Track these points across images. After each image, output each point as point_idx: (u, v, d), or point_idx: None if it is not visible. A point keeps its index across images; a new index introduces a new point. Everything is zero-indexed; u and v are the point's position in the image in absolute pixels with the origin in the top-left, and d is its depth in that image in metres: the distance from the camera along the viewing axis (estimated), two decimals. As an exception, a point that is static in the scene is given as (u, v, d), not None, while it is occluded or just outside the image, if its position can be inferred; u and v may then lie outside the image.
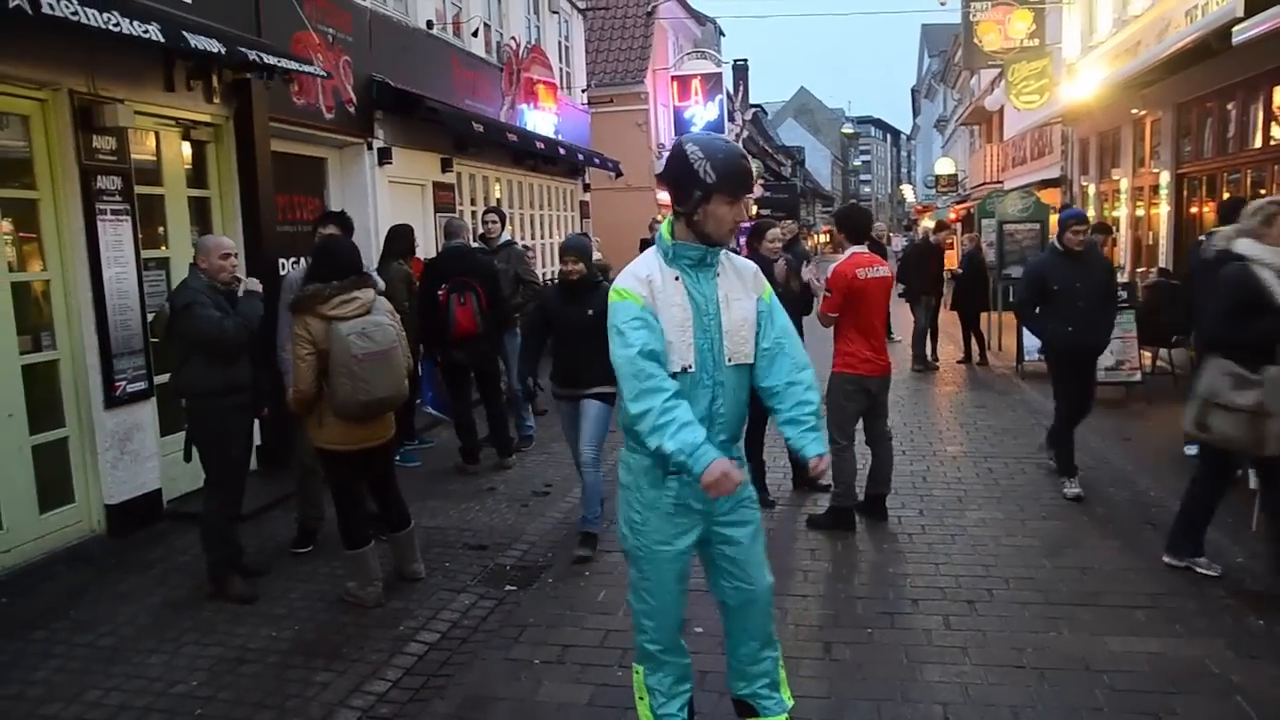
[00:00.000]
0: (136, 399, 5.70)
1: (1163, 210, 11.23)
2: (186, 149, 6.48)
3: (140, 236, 5.78)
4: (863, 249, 5.65)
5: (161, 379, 6.08)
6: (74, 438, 5.50)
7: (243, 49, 5.82)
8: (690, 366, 2.77)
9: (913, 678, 3.71)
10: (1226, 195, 9.59)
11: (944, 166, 35.60)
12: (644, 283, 2.79)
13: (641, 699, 3.07)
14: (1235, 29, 7.20)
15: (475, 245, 7.87)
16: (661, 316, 2.77)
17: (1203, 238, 6.61)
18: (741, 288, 2.87)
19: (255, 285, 4.79)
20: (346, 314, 4.28)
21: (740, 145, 2.89)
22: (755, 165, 31.38)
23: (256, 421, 5.16)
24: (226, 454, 4.62)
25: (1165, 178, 11.08)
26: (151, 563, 5.23)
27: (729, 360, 2.82)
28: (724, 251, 2.88)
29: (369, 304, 4.38)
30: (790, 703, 3.01)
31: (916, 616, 4.30)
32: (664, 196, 21.46)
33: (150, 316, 5.80)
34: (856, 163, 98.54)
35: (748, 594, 2.93)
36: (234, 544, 4.74)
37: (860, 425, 5.73)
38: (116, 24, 4.62)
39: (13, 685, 3.82)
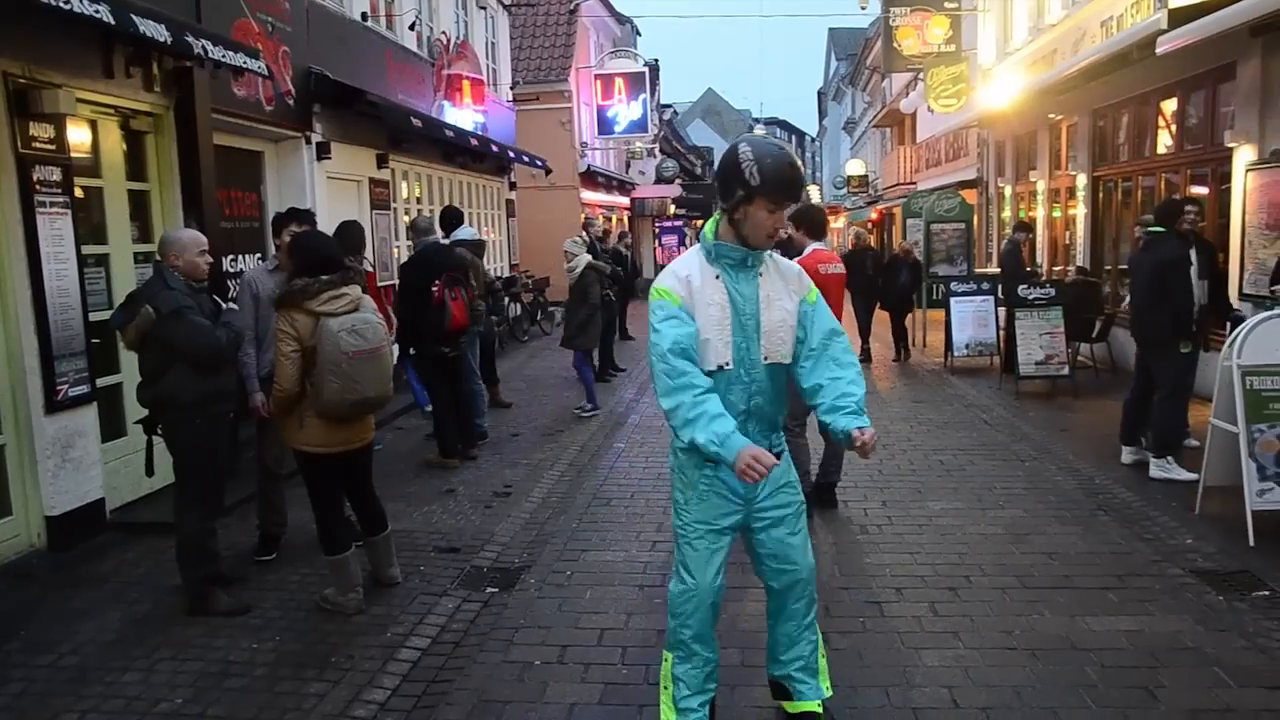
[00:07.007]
0: (79, 403, 5.37)
1: (1080, 211, 11.78)
2: (125, 140, 6.14)
3: (79, 232, 5.45)
4: (822, 245, 5.79)
5: (105, 381, 5.77)
6: (11, 445, 5.14)
7: (189, 38, 5.55)
8: (728, 364, 2.79)
9: (913, 663, 3.79)
10: (1141, 198, 10.15)
11: (854, 168, 36.58)
12: (683, 282, 2.81)
13: (665, 688, 3.06)
14: (1159, 39, 7.61)
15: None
16: (699, 315, 2.78)
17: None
18: (784, 289, 2.90)
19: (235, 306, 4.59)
20: (336, 310, 4.12)
21: (788, 153, 2.92)
22: (671, 165, 31.60)
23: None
24: (213, 466, 4.38)
25: (1082, 180, 11.62)
26: (103, 577, 4.93)
27: (765, 359, 2.85)
28: (769, 253, 2.89)
29: (357, 300, 4.23)
30: (829, 693, 3.04)
31: (904, 604, 4.39)
32: (588, 195, 21.70)
33: (90, 316, 5.49)
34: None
35: (791, 575, 2.99)
36: (216, 558, 4.50)
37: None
38: (67, 1, 4.34)
39: (-28, 712, 3.56)
